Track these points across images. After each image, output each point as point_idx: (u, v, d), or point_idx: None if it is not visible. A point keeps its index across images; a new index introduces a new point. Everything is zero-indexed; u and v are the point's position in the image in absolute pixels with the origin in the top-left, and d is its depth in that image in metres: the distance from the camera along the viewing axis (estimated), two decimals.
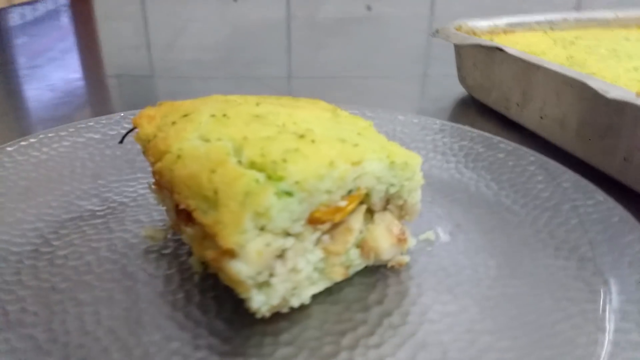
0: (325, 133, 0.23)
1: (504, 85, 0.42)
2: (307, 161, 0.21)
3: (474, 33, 0.50)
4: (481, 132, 0.34)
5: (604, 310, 0.19)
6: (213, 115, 0.25)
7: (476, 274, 0.24)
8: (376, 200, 0.23)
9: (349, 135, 0.24)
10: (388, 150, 0.23)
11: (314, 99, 0.31)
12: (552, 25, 0.52)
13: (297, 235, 0.21)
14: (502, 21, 0.51)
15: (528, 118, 0.40)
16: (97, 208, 0.29)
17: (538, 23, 0.51)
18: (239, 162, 0.21)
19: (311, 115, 0.26)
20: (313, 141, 0.22)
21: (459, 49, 0.47)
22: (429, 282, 0.23)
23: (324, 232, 0.22)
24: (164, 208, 0.27)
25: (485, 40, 0.42)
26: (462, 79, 0.49)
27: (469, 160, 0.32)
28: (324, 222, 0.22)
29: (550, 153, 0.36)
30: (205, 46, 0.70)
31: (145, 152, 0.25)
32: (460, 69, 0.49)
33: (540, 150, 0.37)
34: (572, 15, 0.53)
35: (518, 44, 0.45)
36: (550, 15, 0.53)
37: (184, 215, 0.23)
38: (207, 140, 0.23)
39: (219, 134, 0.23)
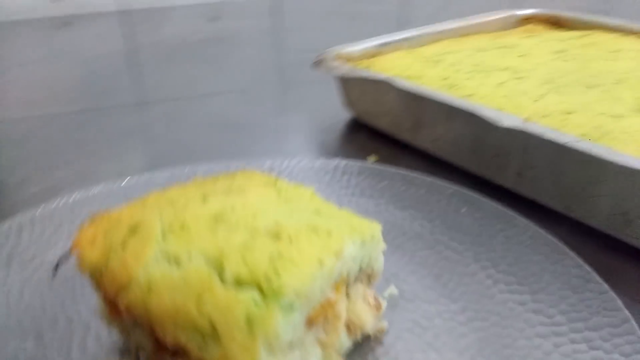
0: (292, 223, 0.23)
1: (395, 113, 0.45)
2: (297, 266, 0.21)
3: (350, 59, 0.52)
4: (397, 169, 0.36)
5: (573, 342, 0.23)
6: (169, 229, 0.23)
7: (446, 322, 0.26)
8: (352, 278, 0.24)
9: (312, 218, 0.24)
10: (351, 225, 0.24)
11: (245, 170, 0.31)
12: (419, 41, 0.56)
13: (299, 343, 0.21)
14: (372, 43, 0.54)
15: (422, 141, 0.44)
16: (32, 345, 0.25)
17: (406, 40, 0.55)
18: (222, 280, 0.20)
19: (263, 200, 0.26)
20: (290, 240, 0.22)
21: (345, 78, 0.49)
22: (411, 342, 0.25)
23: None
24: (120, 332, 0.25)
25: (374, 73, 0.44)
26: (350, 105, 0.51)
27: (396, 201, 0.34)
28: (319, 319, 0.22)
29: (445, 169, 0.40)
30: (42, 89, 0.64)
31: (95, 282, 0.23)
32: (346, 96, 0.51)
33: (436, 168, 0.40)
34: (431, 28, 0.58)
35: (396, 68, 0.49)
36: (412, 31, 0.57)
37: (167, 349, 0.21)
38: (177, 262, 0.21)
39: (187, 251, 0.22)
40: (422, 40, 0.57)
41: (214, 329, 0.19)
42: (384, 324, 0.26)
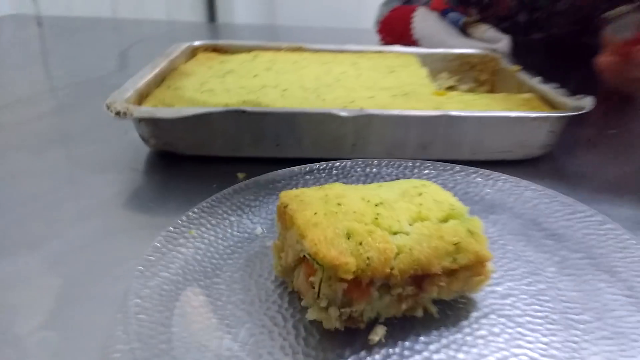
0: (408, 188, 0.36)
1: (228, 136, 0.54)
2: (445, 198, 0.35)
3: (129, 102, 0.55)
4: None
5: None
6: (376, 221, 0.32)
7: None
8: None
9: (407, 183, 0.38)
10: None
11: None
12: (160, 75, 0.63)
13: None
14: (137, 85, 0.58)
15: (263, 151, 0.55)
16: None
17: (154, 78, 0.62)
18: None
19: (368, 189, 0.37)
20: (428, 189, 0.36)
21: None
22: None
23: None
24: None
25: (220, 107, 0.52)
26: (167, 145, 0.55)
27: None
28: None
29: (291, 163, 0.51)
30: None
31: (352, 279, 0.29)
32: (158, 137, 0.55)
33: (282, 164, 0.50)
34: (160, 63, 0.66)
35: (196, 102, 0.57)
36: (154, 67, 0.63)
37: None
38: (405, 232, 0.32)
39: (402, 224, 0.32)
40: (161, 74, 0.65)
41: (458, 248, 0.32)
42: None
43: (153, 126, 0.55)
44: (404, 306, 0.32)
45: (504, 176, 0.46)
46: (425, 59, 0.78)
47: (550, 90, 0.60)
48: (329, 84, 0.64)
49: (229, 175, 0.53)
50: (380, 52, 0.80)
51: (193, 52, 0.78)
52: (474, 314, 0.34)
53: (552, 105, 0.58)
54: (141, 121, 0.54)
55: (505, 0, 1.03)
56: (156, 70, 0.65)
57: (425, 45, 0.98)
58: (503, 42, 0.92)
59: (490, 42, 0.94)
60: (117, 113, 0.52)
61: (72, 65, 0.96)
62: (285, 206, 0.35)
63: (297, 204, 0.35)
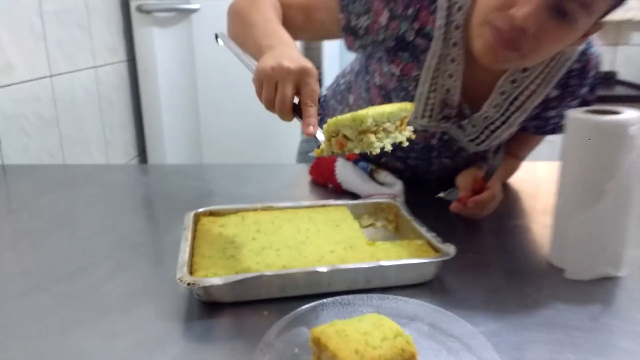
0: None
1: (253, 288, 0.90)
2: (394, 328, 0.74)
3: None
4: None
5: None
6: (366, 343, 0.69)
7: None
8: None
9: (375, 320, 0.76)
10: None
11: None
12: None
13: None
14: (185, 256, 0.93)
15: (273, 294, 0.91)
16: None
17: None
18: (387, 342, 0.71)
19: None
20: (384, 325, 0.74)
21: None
22: None
23: None
24: None
25: (248, 274, 0.88)
26: (214, 297, 0.89)
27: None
28: None
29: (277, 301, 0.91)
30: None
31: None
32: (209, 294, 0.89)
33: (270, 302, 0.90)
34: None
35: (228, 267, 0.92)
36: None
37: None
38: (378, 346, 0.69)
39: (378, 342, 0.70)
40: (190, 243, 0.99)
41: (403, 351, 0.70)
42: None
43: (207, 288, 0.89)
44: None
45: (415, 300, 0.87)
46: (353, 208, 1.20)
47: (432, 238, 1.03)
48: (303, 241, 1.03)
49: (256, 312, 0.88)
50: (323, 205, 1.21)
51: (198, 217, 1.13)
52: None
53: (435, 249, 1.01)
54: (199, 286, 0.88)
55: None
56: (188, 242, 0.99)
57: (345, 186, 1.42)
58: (397, 186, 1.37)
59: (389, 185, 1.39)
60: (189, 284, 0.86)
61: (76, 222, 1.24)
62: (319, 339, 0.72)
63: (324, 337, 0.72)
